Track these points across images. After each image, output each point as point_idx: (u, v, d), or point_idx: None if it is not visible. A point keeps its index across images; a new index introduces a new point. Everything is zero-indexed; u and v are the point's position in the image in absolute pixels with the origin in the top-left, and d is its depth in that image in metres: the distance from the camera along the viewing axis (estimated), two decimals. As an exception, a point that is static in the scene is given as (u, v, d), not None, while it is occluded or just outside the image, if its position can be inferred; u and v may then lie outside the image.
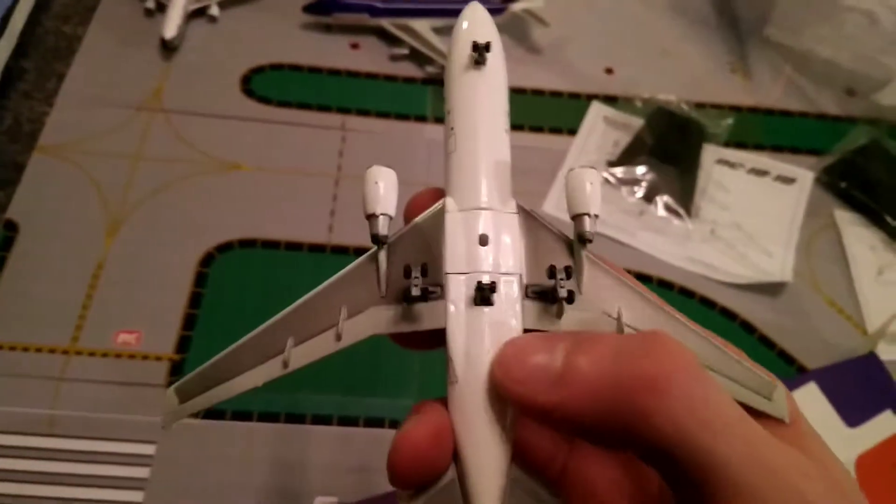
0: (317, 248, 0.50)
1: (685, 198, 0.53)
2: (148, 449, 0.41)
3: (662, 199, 0.52)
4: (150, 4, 0.60)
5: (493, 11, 0.59)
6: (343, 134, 0.56)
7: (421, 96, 0.59)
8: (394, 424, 0.43)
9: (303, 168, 0.54)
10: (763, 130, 0.58)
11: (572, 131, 0.57)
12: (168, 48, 0.59)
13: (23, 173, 0.52)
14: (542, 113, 0.59)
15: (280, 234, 0.50)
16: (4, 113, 0.56)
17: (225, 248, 0.49)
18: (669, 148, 0.54)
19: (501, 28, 0.59)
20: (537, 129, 0.58)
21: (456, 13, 0.57)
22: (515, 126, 0.54)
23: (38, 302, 0.46)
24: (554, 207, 0.53)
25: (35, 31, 0.60)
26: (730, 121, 0.55)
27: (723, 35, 0.65)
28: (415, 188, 0.49)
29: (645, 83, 0.59)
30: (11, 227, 0.49)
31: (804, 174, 0.56)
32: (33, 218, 0.49)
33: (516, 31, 0.64)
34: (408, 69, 0.61)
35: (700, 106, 0.57)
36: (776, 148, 0.58)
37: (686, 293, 0.50)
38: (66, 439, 0.41)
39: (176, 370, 0.44)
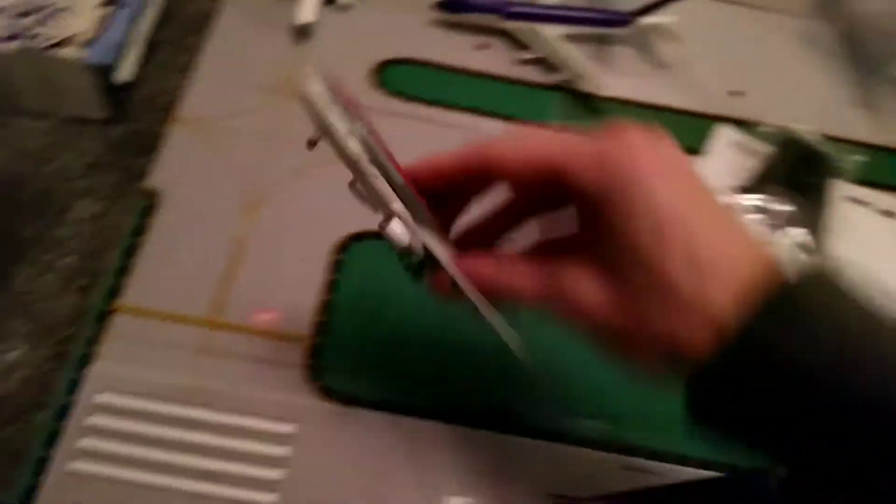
0: (447, 245, 0.50)
1: (813, 232, 0.53)
2: (288, 428, 0.42)
3: (793, 231, 0.53)
4: (287, -12, 0.61)
5: (617, 23, 0.60)
6: (472, 135, 0.57)
7: (547, 102, 0.60)
8: (537, 434, 0.44)
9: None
10: (893, 169, 0.58)
11: (692, 150, 0.58)
12: (300, 34, 0.60)
13: (161, 143, 0.53)
14: (666, 129, 0.59)
15: (411, 227, 0.51)
16: (143, 83, 0.57)
17: (360, 237, 0.50)
18: (800, 179, 0.55)
19: (628, 41, 0.60)
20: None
21: (587, 22, 0.58)
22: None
23: (179, 272, 0.47)
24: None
25: (169, 4, 0.61)
26: (860, 157, 0.55)
27: (852, 70, 0.65)
28: None
29: (772, 110, 0.59)
30: (153, 195, 0.50)
31: (935, 218, 0.56)
32: (173, 188, 0.51)
33: (641, 44, 0.64)
34: (535, 74, 0.61)
35: (828, 139, 0.57)
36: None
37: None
38: (208, 411, 0.42)
39: (313, 353, 0.45)
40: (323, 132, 0.31)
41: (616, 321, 0.30)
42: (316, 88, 0.31)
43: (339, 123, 0.31)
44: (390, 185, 0.34)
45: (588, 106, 0.60)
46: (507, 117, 0.58)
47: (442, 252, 0.35)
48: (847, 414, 0.26)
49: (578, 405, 0.45)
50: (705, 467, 0.44)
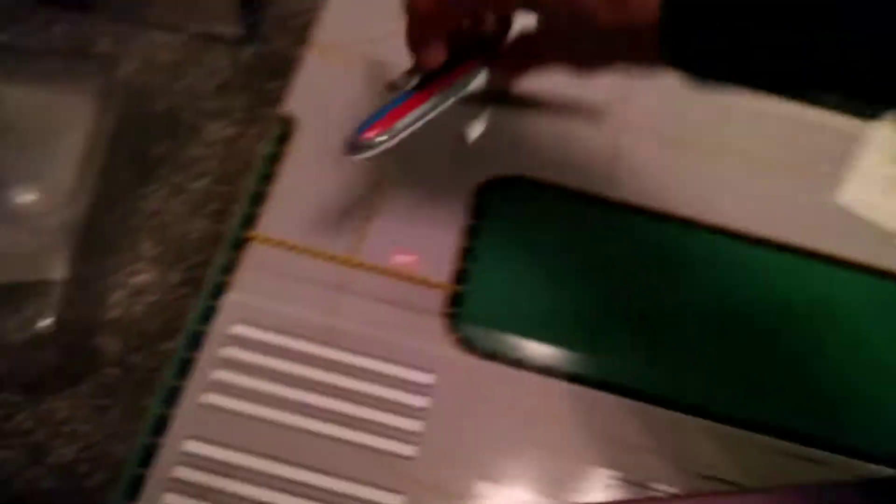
0: (600, 201, 0.47)
1: None
2: (427, 378, 0.40)
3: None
4: None
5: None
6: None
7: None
8: (683, 408, 0.41)
9: (584, 103, 0.50)
10: None
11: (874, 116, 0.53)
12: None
13: (294, 67, 0.50)
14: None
15: (562, 177, 0.48)
16: (274, 4, 0.54)
17: (505, 181, 0.47)
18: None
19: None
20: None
21: None
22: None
23: (316, 205, 0.45)
24: (851, 198, 0.49)
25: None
26: None
27: None
28: (686, 140, 0.45)
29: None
30: (289, 121, 0.47)
31: None
32: (309, 116, 0.48)
33: None
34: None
35: None
36: None
37: None
38: (346, 353, 0.40)
39: (453, 302, 0.42)
40: None
41: None
42: None
43: None
44: None
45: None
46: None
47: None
48: None
49: (750, 383, 0.42)
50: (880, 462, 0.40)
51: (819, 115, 0.52)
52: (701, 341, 0.43)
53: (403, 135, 0.40)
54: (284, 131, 0.47)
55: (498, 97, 0.46)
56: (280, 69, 0.51)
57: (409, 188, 0.46)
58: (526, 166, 0.47)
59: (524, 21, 0.41)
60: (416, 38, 0.39)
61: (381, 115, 0.39)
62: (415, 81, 0.41)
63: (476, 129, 0.44)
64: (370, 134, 0.39)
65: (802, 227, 0.47)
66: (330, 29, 0.51)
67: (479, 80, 0.43)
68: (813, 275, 0.46)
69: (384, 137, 0.39)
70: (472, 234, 0.45)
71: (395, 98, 0.41)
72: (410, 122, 0.40)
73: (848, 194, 0.49)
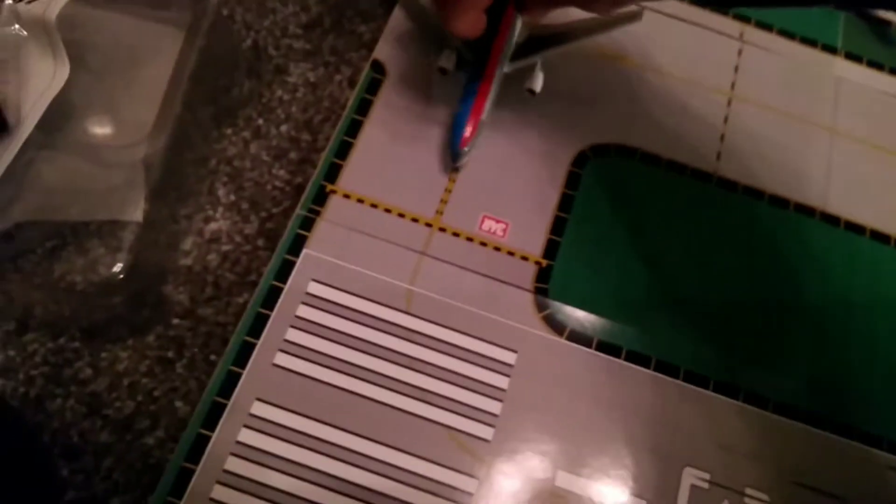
0: (701, 176, 0.43)
1: None
2: (509, 357, 0.37)
3: None
4: None
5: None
6: (740, 45, 0.48)
7: (832, 23, 0.50)
8: (778, 409, 0.37)
9: (693, 77, 0.46)
10: None
11: None
12: None
13: (391, 10, 0.46)
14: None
15: (660, 148, 0.44)
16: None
17: (601, 150, 0.43)
18: None
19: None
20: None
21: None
22: None
23: (404, 160, 0.42)
24: None
25: None
26: None
27: None
28: (817, 130, 0.42)
29: None
30: (379, 69, 0.44)
31: None
32: (400, 63, 0.45)
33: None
34: (822, -14, 0.51)
35: None
36: None
37: None
38: (425, 322, 0.38)
39: (542, 276, 0.39)
40: None
41: None
42: None
43: None
44: None
45: (880, 34, 0.50)
46: (784, 33, 0.49)
47: None
48: None
49: (847, 386, 0.38)
50: None
51: None
52: (805, 339, 0.39)
53: (487, 118, 0.41)
54: (374, 79, 0.44)
55: (541, 42, 0.42)
56: (370, 13, 0.48)
57: (503, 152, 0.43)
58: (627, 135, 0.44)
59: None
60: (451, 9, 0.37)
61: (466, 113, 0.41)
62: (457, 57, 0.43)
63: (538, 81, 0.42)
64: (466, 141, 0.41)
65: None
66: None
67: (518, 31, 0.43)
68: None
69: (476, 138, 0.41)
70: (568, 204, 0.42)
71: (467, 83, 0.42)
72: (490, 105, 0.41)
73: None
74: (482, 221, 0.41)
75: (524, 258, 0.40)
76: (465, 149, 0.40)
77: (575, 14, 0.40)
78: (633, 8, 0.42)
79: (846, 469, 0.37)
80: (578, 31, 0.43)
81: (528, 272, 0.40)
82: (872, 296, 0.41)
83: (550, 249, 0.41)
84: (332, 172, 0.41)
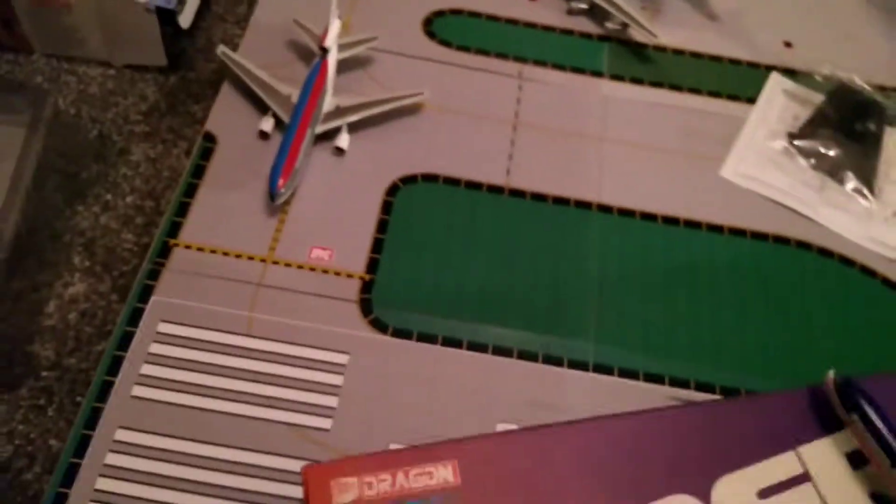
0: (495, 190, 0.51)
1: (868, 177, 0.52)
2: (341, 358, 0.43)
3: (845, 176, 0.52)
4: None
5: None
6: (520, 82, 0.57)
7: (598, 52, 0.60)
8: (572, 365, 0.45)
9: (482, 112, 0.55)
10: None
11: (750, 100, 0.58)
12: (353, -15, 0.60)
13: (218, 90, 0.54)
14: (719, 79, 0.59)
15: (460, 172, 0.52)
16: (199, 33, 0.58)
17: (409, 180, 0.51)
18: (851, 126, 0.54)
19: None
20: (714, 94, 0.58)
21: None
22: (693, 89, 0.55)
23: (237, 211, 0.48)
24: (732, 172, 0.53)
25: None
26: (916, 105, 0.55)
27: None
28: (590, 141, 0.51)
29: (825, 61, 0.59)
30: (210, 138, 0.51)
31: None
32: (229, 132, 0.52)
33: (694, -3, 0.64)
34: (585, 25, 0.61)
35: (881, 89, 0.57)
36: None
37: (868, 272, 0.50)
38: (265, 341, 0.44)
39: (366, 288, 0.46)
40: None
41: None
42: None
43: None
44: None
45: (639, 56, 0.60)
46: (556, 66, 0.58)
47: None
48: None
49: (626, 339, 0.46)
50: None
51: (702, 102, 0.57)
52: (591, 308, 0.47)
53: (301, 165, 0.49)
54: (206, 148, 0.51)
55: (346, 111, 0.52)
56: (203, 93, 0.55)
57: (325, 190, 0.50)
58: (430, 165, 0.52)
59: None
60: None
61: (284, 156, 0.49)
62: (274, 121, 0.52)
63: (344, 140, 0.52)
64: (283, 182, 0.48)
65: (688, 201, 0.51)
66: (249, 55, 0.55)
67: (328, 101, 0.52)
68: (696, 241, 0.50)
69: (292, 181, 0.49)
70: (384, 227, 0.49)
71: (283, 139, 0.50)
72: (302, 156, 0.49)
73: (728, 170, 0.53)
74: (311, 251, 0.48)
75: (349, 276, 0.47)
76: (282, 190, 0.47)
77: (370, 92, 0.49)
78: (419, 92, 0.52)
79: (637, 404, 0.43)
80: (374, 104, 0.53)
81: (353, 287, 0.46)
82: (647, 264, 0.49)
83: (372, 265, 0.47)
84: (174, 229, 0.47)
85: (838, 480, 0.34)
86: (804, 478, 0.34)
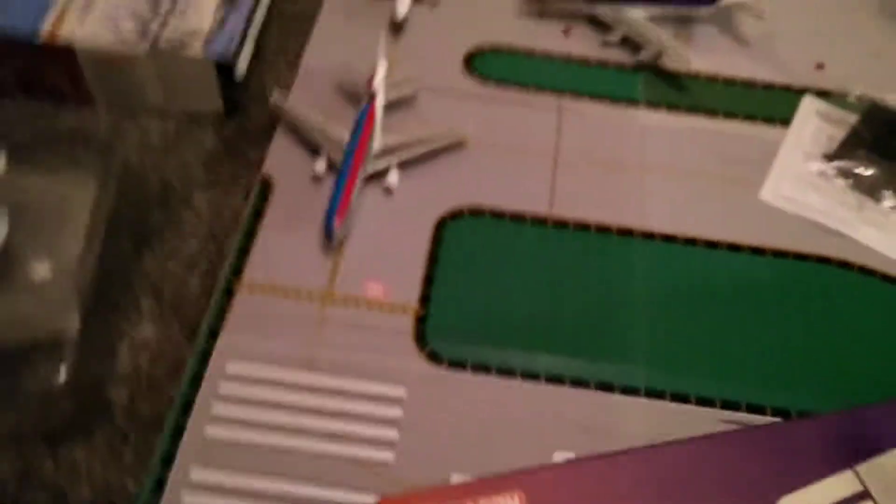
0: (539, 221, 0.53)
1: (903, 194, 0.54)
2: (399, 391, 0.46)
3: (884, 195, 0.53)
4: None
5: (702, 2, 0.61)
6: (559, 114, 0.59)
7: (633, 82, 0.61)
8: (624, 390, 0.46)
9: (523, 145, 0.57)
10: None
11: (784, 122, 0.59)
12: (395, 30, 0.63)
13: (273, 135, 0.57)
14: (753, 103, 0.60)
15: (504, 205, 0.54)
16: (253, 78, 0.61)
17: (456, 215, 0.53)
18: (887, 145, 0.55)
19: (710, 19, 0.62)
20: (749, 118, 0.59)
21: (676, 1, 0.60)
22: (728, 113, 0.57)
23: (295, 251, 0.51)
24: (771, 195, 0.54)
25: (272, 5, 0.65)
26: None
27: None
28: (629, 169, 0.52)
29: (857, 81, 0.60)
30: (267, 183, 0.54)
31: None
32: (284, 175, 0.55)
33: (725, 21, 0.65)
34: (620, 56, 0.63)
35: (916, 106, 0.58)
36: None
37: (906, 287, 0.51)
38: (327, 376, 0.46)
39: (421, 322, 0.48)
40: None
41: None
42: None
43: None
44: None
45: (673, 83, 0.61)
46: (593, 97, 0.60)
47: None
48: None
49: (676, 363, 0.47)
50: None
51: (737, 126, 0.58)
52: (640, 333, 0.48)
53: (355, 205, 0.52)
54: (264, 191, 0.53)
55: (393, 151, 0.55)
56: (258, 138, 0.58)
57: (377, 225, 0.52)
58: (475, 199, 0.54)
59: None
60: None
61: (338, 197, 0.51)
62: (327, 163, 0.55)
63: (394, 178, 0.55)
64: (339, 222, 0.50)
65: (728, 225, 0.53)
66: (299, 100, 0.58)
67: (376, 143, 0.54)
68: (738, 264, 0.51)
69: (347, 221, 0.51)
70: (434, 262, 0.51)
71: (337, 180, 0.52)
72: (356, 196, 0.52)
73: (767, 193, 0.55)
74: (366, 288, 0.50)
75: (404, 310, 0.49)
76: (338, 230, 0.50)
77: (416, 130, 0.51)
78: (461, 132, 0.55)
79: (688, 429, 0.44)
80: (420, 143, 0.56)
81: (408, 320, 0.49)
82: (692, 287, 0.51)
83: (425, 299, 0.50)
84: (237, 271, 0.50)
85: None
86: (865, 495, 0.35)
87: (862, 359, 0.48)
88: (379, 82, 0.55)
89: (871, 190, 0.54)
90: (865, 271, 0.51)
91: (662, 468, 0.36)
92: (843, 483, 0.36)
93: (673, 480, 0.36)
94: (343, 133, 0.55)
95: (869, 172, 0.55)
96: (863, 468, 0.36)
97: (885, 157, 0.55)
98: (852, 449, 0.37)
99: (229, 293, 0.49)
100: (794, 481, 0.36)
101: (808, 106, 0.59)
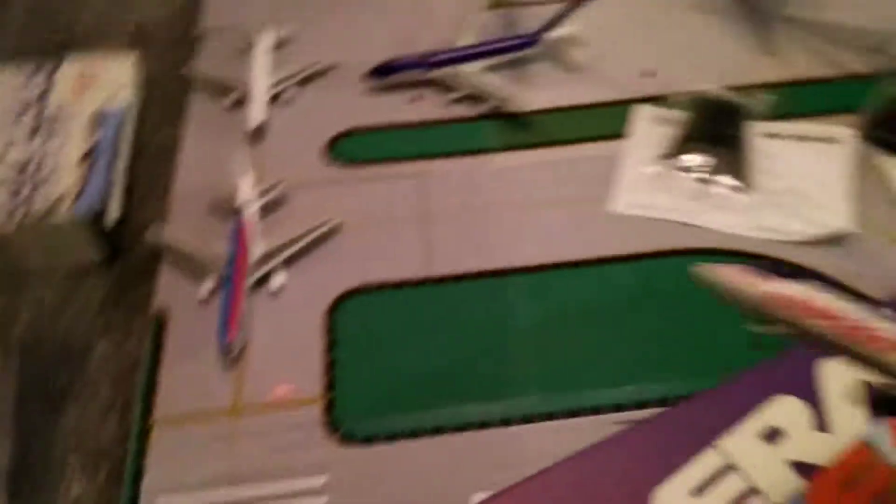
0: (421, 282, 0.57)
1: (740, 173, 0.58)
2: (319, 481, 0.48)
3: (722, 179, 0.58)
4: (231, 100, 0.68)
5: (527, 44, 0.66)
6: (422, 179, 0.63)
7: (483, 132, 0.66)
8: (525, 420, 0.49)
9: (395, 215, 0.61)
10: (799, 99, 0.64)
11: (623, 135, 0.63)
12: (255, 135, 0.67)
13: (159, 268, 0.60)
14: (594, 124, 0.65)
15: (388, 276, 0.57)
16: (130, 217, 0.64)
17: (345, 297, 0.56)
18: (717, 132, 0.60)
19: (541, 57, 0.66)
20: (590, 139, 0.64)
21: (500, 52, 0.65)
22: (571, 141, 0.61)
23: (200, 374, 0.54)
24: (622, 205, 0.59)
25: (137, 140, 0.68)
26: (767, 97, 0.61)
27: (746, 22, 0.71)
28: (493, 213, 0.56)
29: (683, 79, 0.65)
30: (161, 316, 0.56)
31: (844, 132, 0.61)
32: (177, 304, 0.57)
33: (553, 56, 0.70)
34: (466, 110, 0.68)
35: (737, 89, 0.63)
36: (815, 113, 0.63)
37: (756, 257, 0.55)
38: (250, 485, 0.48)
39: (329, 408, 0.51)
40: None
41: None
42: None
43: None
44: None
45: (519, 124, 0.66)
46: (451, 154, 0.64)
47: None
48: None
49: (565, 382, 0.50)
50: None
51: (582, 149, 0.63)
52: (529, 363, 0.52)
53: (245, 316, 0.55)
54: (159, 325, 0.56)
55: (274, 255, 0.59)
56: (145, 273, 0.61)
57: (271, 328, 0.55)
58: (360, 279, 0.58)
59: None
60: None
61: (227, 313, 0.54)
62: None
63: (279, 280, 0.58)
64: (231, 336, 0.53)
65: (589, 242, 0.57)
66: (175, 231, 0.61)
67: (255, 251, 0.58)
68: (604, 276, 0.55)
69: (240, 333, 0.54)
70: (332, 347, 0.54)
71: (223, 297, 0.55)
72: (244, 307, 0.55)
73: (617, 203, 0.59)
74: (273, 390, 0.53)
75: (312, 401, 0.52)
76: (233, 343, 0.52)
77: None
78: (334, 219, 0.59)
79: (590, 438, 0.46)
80: (297, 239, 0.59)
81: (317, 410, 0.51)
82: (568, 308, 0.54)
83: (330, 385, 0.52)
84: (148, 408, 0.53)
85: (758, 460, 0.39)
86: (729, 468, 0.39)
87: (727, 334, 0.51)
88: (246, 195, 0.59)
89: (709, 177, 0.59)
90: (716, 252, 0.55)
91: (560, 487, 0.39)
92: (707, 461, 0.39)
93: (574, 496, 0.39)
94: (223, 250, 0.57)
95: (705, 161, 0.59)
96: (722, 443, 0.40)
97: (716, 143, 0.60)
98: (709, 428, 0.40)
99: (145, 432, 0.51)
100: (664, 471, 0.39)
101: (642, 113, 0.64)
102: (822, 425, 0.40)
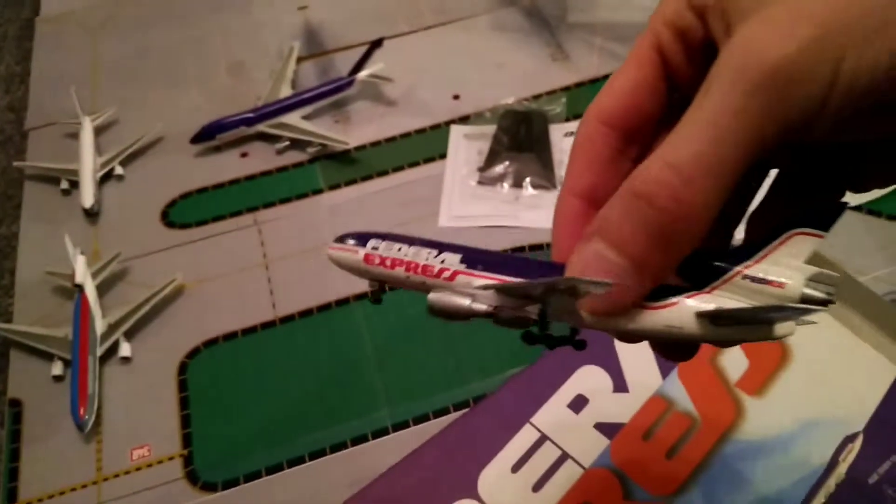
0: (268, 325, 0.59)
1: (547, 174, 0.63)
2: (187, 530, 0.50)
3: (529, 182, 0.63)
4: (65, 185, 0.70)
5: (342, 87, 0.70)
6: (259, 228, 0.66)
7: (312, 174, 0.69)
8: (376, 435, 0.52)
9: (236, 266, 0.63)
10: (592, 96, 0.69)
11: (443, 155, 0.68)
12: (91, 214, 0.68)
13: (8, 358, 0.60)
14: (415, 150, 0.69)
15: (235, 326, 0.59)
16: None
17: (194, 353, 0.58)
18: (522, 140, 0.65)
19: (358, 96, 0.70)
20: (414, 164, 0.68)
21: (317, 98, 0.68)
22: (396, 168, 0.65)
23: (60, 453, 0.54)
24: (446, 219, 0.63)
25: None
26: (564, 100, 0.66)
27: (538, 34, 0.77)
28: (321, 246, 0.59)
29: (488, 96, 0.70)
30: (16, 403, 0.57)
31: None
32: (29, 390, 0.58)
33: (370, 93, 0.75)
34: (294, 157, 0.71)
35: (537, 97, 0.68)
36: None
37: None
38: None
39: (188, 462, 0.52)
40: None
41: None
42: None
43: None
44: None
45: (345, 161, 0.69)
46: (285, 200, 0.67)
47: None
48: None
49: (407, 393, 0.54)
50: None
51: (407, 175, 0.68)
52: (376, 380, 0.55)
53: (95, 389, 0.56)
54: (15, 413, 0.57)
55: (118, 326, 0.60)
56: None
57: (123, 395, 0.56)
58: (206, 333, 0.60)
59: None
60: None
61: (76, 389, 0.56)
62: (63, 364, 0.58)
63: (126, 349, 0.59)
64: (83, 411, 0.55)
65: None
66: (23, 317, 0.62)
67: (98, 326, 0.59)
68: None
69: (91, 407, 0.55)
70: (186, 403, 0.55)
71: (71, 375, 0.57)
72: (92, 381, 0.56)
73: (443, 218, 0.63)
74: (132, 455, 0.54)
75: (171, 458, 0.53)
76: (85, 418, 0.54)
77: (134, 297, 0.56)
78: (173, 279, 0.61)
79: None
80: (140, 307, 0.61)
81: (177, 465, 0.53)
82: (405, 324, 0.57)
83: (187, 440, 0.54)
84: (12, 495, 0.53)
85: (567, 427, 0.42)
86: (543, 438, 0.42)
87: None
88: (80, 275, 0.60)
89: (519, 181, 0.63)
90: (538, 248, 0.60)
91: (396, 488, 0.42)
92: (525, 436, 0.43)
93: (412, 489, 0.41)
94: (67, 330, 0.59)
95: (514, 167, 0.64)
96: (535, 418, 0.44)
97: (523, 150, 0.64)
98: (523, 407, 0.44)
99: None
100: (487, 453, 0.42)
101: (456, 133, 0.69)
102: (620, 387, 0.45)
